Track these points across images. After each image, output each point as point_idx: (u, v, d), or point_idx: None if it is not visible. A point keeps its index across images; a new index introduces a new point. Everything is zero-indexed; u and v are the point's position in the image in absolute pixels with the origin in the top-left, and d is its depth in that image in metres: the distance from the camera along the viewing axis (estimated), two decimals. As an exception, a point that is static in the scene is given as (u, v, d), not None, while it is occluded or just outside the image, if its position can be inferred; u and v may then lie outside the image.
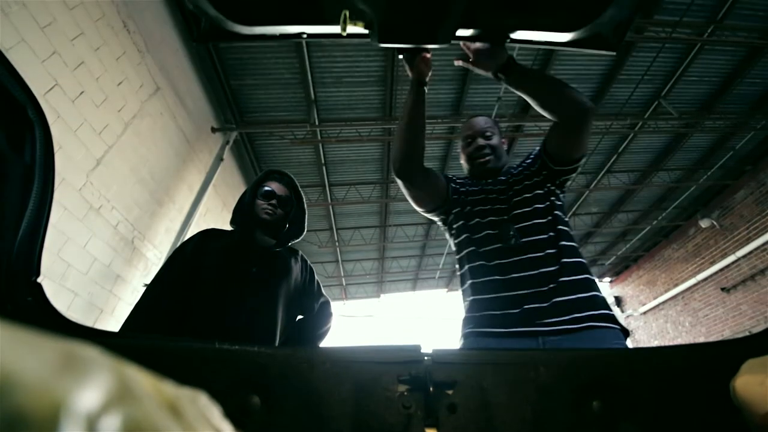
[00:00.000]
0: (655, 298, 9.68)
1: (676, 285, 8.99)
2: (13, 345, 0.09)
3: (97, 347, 0.11)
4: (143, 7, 3.63)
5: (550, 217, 1.12)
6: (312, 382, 0.41)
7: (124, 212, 3.55)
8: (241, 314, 1.18)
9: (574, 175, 1.22)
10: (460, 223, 1.22)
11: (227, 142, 5.29)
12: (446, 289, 12.06)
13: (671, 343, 9.12)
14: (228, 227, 1.47)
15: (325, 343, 1.45)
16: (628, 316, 10.66)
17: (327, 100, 5.41)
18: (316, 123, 5.48)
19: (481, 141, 1.30)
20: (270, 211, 1.40)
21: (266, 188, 1.43)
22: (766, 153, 7.04)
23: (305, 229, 1.52)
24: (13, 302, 0.49)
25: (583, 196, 7.93)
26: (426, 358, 0.42)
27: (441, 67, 5.16)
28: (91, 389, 0.09)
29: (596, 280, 1.07)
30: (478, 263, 1.11)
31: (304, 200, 1.54)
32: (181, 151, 4.47)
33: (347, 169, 6.77)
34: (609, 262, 10.75)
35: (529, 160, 1.28)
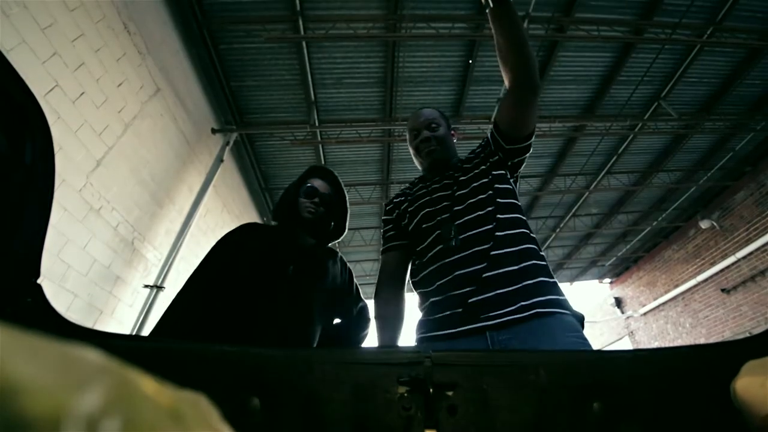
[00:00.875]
0: (655, 299, 9.68)
1: (676, 286, 8.99)
2: (15, 349, 0.09)
3: (98, 350, 0.11)
4: (144, 8, 3.64)
5: (490, 207, 1.09)
6: (312, 384, 0.41)
7: (124, 213, 3.55)
8: (275, 314, 1.12)
9: (527, 156, 1.21)
10: (412, 226, 1.22)
11: (227, 143, 5.29)
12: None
13: (672, 344, 9.11)
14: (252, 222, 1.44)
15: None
16: (628, 317, 10.66)
17: (327, 101, 5.42)
18: (316, 124, 5.48)
19: (426, 133, 1.29)
20: (312, 210, 1.34)
21: (308, 186, 1.38)
22: (765, 154, 7.05)
23: (346, 229, 1.46)
24: (12, 304, 0.49)
25: (583, 198, 7.93)
26: (426, 359, 0.42)
27: (441, 68, 5.17)
28: (92, 393, 0.09)
29: (547, 265, 1.04)
30: (427, 267, 1.10)
31: (347, 199, 1.48)
32: (181, 152, 4.48)
33: (347, 170, 6.78)
34: (609, 263, 10.75)
35: (478, 149, 1.28)
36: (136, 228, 3.73)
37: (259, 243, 1.27)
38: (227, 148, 5.27)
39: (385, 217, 1.36)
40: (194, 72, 4.61)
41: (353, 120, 5.67)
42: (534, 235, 1.10)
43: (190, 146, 4.65)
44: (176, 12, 4.10)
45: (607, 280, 11.83)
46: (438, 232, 1.11)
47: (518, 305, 0.92)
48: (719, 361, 0.49)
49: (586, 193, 7.75)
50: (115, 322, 3.51)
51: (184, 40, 4.31)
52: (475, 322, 0.93)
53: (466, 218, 1.09)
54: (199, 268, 1.21)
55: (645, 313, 10.06)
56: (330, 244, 1.45)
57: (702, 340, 8.25)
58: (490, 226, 1.06)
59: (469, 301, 0.96)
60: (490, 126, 1.26)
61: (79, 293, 3.07)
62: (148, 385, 0.12)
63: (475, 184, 1.16)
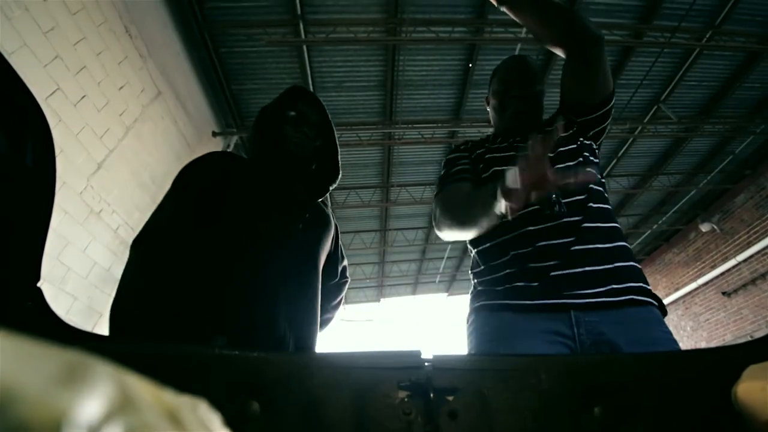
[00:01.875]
0: (655, 303, 9.65)
1: (677, 289, 8.97)
2: (14, 356, 0.09)
3: (98, 356, 0.11)
4: (145, 12, 3.66)
5: None
6: (312, 388, 0.41)
7: (125, 216, 3.55)
8: (285, 270, 0.89)
9: (606, 124, 1.06)
10: (488, 175, 1.02)
11: (228, 146, 5.31)
12: (447, 294, 12.03)
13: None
14: None
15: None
16: (629, 321, 10.62)
17: (327, 104, 5.30)
18: (317, 127, 5.49)
19: (520, 91, 1.11)
20: (299, 141, 1.06)
21: (294, 111, 1.10)
22: (765, 157, 7.06)
23: (340, 171, 1.17)
24: (12, 307, 0.49)
25: (583, 200, 7.93)
26: (426, 363, 0.42)
27: (441, 72, 5.19)
28: (93, 400, 0.09)
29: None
30: (500, 234, 0.93)
31: (335, 132, 1.19)
32: (182, 155, 4.49)
33: (347, 173, 6.78)
34: (609, 266, 10.73)
35: (556, 115, 1.15)
36: (137, 231, 3.73)
37: (257, 184, 0.98)
38: (228, 151, 5.28)
39: (456, 154, 1.13)
40: (195, 75, 4.62)
41: (354, 123, 5.68)
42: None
43: (191, 149, 4.66)
44: (177, 15, 4.12)
45: (608, 283, 11.79)
46: None
47: (609, 287, 0.81)
48: (720, 365, 0.49)
49: (587, 196, 7.74)
50: (115, 324, 3.50)
51: (185, 43, 4.33)
52: (558, 297, 0.81)
53: None
54: (174, 201, 0.91)
55: (646, 317, 10.02)
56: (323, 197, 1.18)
57: (703, 344, 8.22)
58: (582, 197, 0.92)
59: (552, 274, 0.83)
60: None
61: (79, 296, 3.07)
62: (148, 391, 0.12)
63: (562, 149, 1.00)
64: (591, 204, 0.92)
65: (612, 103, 1.04)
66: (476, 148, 1.12)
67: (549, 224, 0.89)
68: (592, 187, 0.95)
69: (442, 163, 1.15)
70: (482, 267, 0.96)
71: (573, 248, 0.85)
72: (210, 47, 4.48)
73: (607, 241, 0.88)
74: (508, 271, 0.89)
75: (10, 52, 2.33)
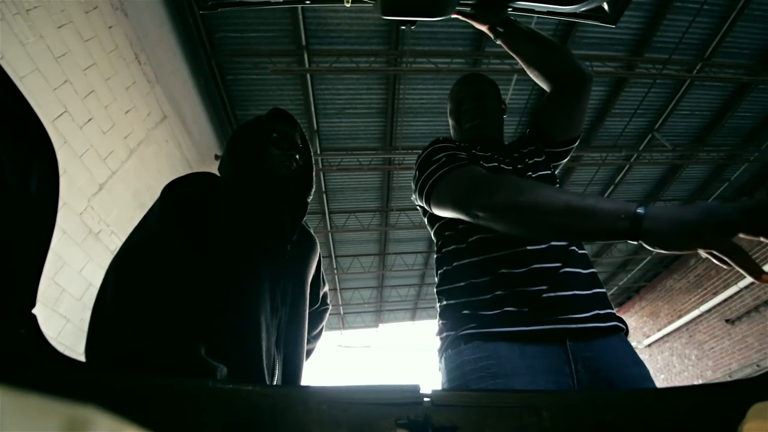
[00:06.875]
0: (659, 330, 9.49)
1: (680, 316, 8.83)
2: (17, 413, 0.09)
3: (98, 409, 0.11)
4: (156, 40, 3.79)
5: None
6: (307, 425, 0.39)
7: (123, 237, 3.53)
8: (276, 297, 0.88)
9: (564, 161, 1.12)
10: None
11: (229, 169, 5.37)
12: (446, 319, 11.80)
13: (677, 377, 8.85)
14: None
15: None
16: (632, 349, 10.40)
17: (329, 130, 5.54)
18: (318, 152, 5.58)
19: (471, 103, 1.11)
20: (287, 163, 1.07)
21: (279, 133, 1.10)
22: (761, 184, 7.13)
23: (313, 185, 1.19)
24: (6, 335, 0.48)
25: (582, 226, 7.95)
26: (425, 399, 0.41)
27: (440, 100, 5.32)
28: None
29: None
30: (489, 250, 0.89)
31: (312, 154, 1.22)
32: (183, 177, 4.53)
33: (347, 197, 6.83)
34: (611, 292, 10.62)
35: (524, 140, 1.13)
36: (134, 252, 3.71)
37: (243, 210, 0.96)
38: (208, 172, 5.33)
39: (451, 144, 1.01)
40: (201, 100, 4.73)
41: (354, 148, 5.78)
42: None
43: (193, 171, 4.70)
44: (186, 44, 4.27)
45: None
46: None
47: (593, 313, 0.82)
48: (725, 402, 0.48)
49: (585, 222, 7.77)
50: (107, 349, 3.42)
51: (193, 70, 4.46)
52: (552, 322, 0.79)
53: None
54: (159, 223, 0.88)
55: (649, 345, 9.83)
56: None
57: (709, 373, 8.01)
58: None
59: (543, 296, 0.82)
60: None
61: (72, 318, 3.02)
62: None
63: (541, 172, 1.01)
64: None
65: (576, 145, 1.10)
66: (463, 149, 1.04)
67: (543, 246, 0.87)
68: None
69: (434, 149, 0.99)
70: (461, 284, 0.89)
71: (561, 272, 0.85)
72: (216, 74, 4.62)
73: (584, 266, 0.90)
74: (497, 292, 0.84)
75: (21, 76, 2.40)
